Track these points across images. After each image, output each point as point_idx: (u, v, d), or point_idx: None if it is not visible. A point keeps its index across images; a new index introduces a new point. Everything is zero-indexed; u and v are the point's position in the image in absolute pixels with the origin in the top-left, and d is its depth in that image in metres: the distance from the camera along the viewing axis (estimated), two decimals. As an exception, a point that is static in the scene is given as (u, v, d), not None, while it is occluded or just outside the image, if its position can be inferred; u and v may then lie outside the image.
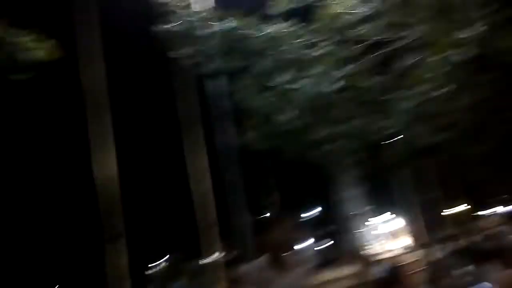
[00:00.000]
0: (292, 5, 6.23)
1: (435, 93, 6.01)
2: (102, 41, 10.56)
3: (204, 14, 6.19)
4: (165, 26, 5.89)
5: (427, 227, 24.01)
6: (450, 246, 13.35)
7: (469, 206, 24.89)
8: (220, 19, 6.18)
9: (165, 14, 6.00)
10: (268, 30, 5.94)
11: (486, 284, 5.45)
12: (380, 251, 17.41)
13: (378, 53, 6.33)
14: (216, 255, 13.85)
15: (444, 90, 5.86)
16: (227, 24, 5.90)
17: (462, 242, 13.04)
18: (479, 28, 5.08)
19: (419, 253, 15.80)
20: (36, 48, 4.37)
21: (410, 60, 6.32)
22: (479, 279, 6.06)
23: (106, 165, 10.45)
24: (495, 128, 8.39)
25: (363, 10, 6.16)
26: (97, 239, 11.23)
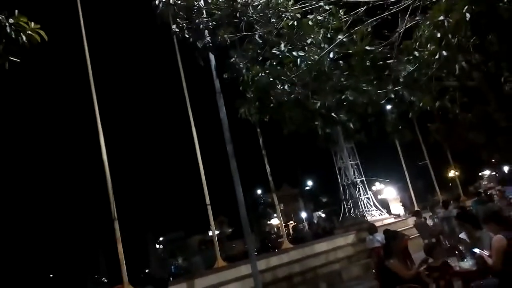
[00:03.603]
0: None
1: (432, 58, 6.00)
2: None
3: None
4: (163, 0, 5.78)
5: (419, 194, 24.59)
6: (441, 213, 13.73)
7: (459, 172, 25.39)
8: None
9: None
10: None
11: (478, 250, 5.62)
12: (375, 219, 17.76)
13: (377, 17, 6.25)
14: (214, 231, 13.98)
15: (440, 54, 5.83)
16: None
17: (452, 208, 13.37)
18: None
19: (412, 221, 16.23)
20: (29, 30, 4.26)
21: (408, 23, 6.31)
22: (471, 245, 6.24)
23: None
24: (489, 92, 8.45)
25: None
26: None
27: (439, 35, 5.40)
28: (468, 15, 4.85)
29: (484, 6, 4.89)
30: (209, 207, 12.41)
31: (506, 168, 34.51)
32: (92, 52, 10.98)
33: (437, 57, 5.49)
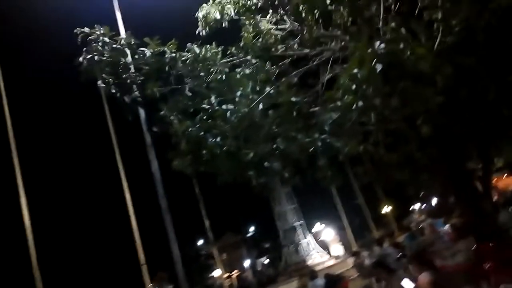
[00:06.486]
0: (216, 26, 6.29)
1: (354, 105, 6.33)
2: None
3: (125, 41, 6.03)
4: (88, 57, 5.67)
5: (357, 233, 25.20)
6: (377, 250, 14.07)
7: (392, 207, 26.57)
8: (142, 46, 6.09)
9: (86, 45, 5.77)
10: (197, 51, 5.93)
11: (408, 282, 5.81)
12: (316, 262, 17.83)
13: (301, 69, 6.56)
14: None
15: (357, 104, 6.17)
16: (155, 49, 5.79)
17: (387, 246, 13.77)
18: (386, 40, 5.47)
19: (351, 261, 16.46)
20: None
21: (331, 73, 6.67)
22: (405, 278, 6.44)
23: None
24: (409, 134, 9.02)
25: (284, 27, 6.39)
26: None
27: (354, 86, 5.73)
28: (379, 66, 5.21)
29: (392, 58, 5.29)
30: (144, 267, 11.76)
31: (434, 200, 36.23)
32: (14, 114, 10.50)
33: (354, 107, 5.79)
